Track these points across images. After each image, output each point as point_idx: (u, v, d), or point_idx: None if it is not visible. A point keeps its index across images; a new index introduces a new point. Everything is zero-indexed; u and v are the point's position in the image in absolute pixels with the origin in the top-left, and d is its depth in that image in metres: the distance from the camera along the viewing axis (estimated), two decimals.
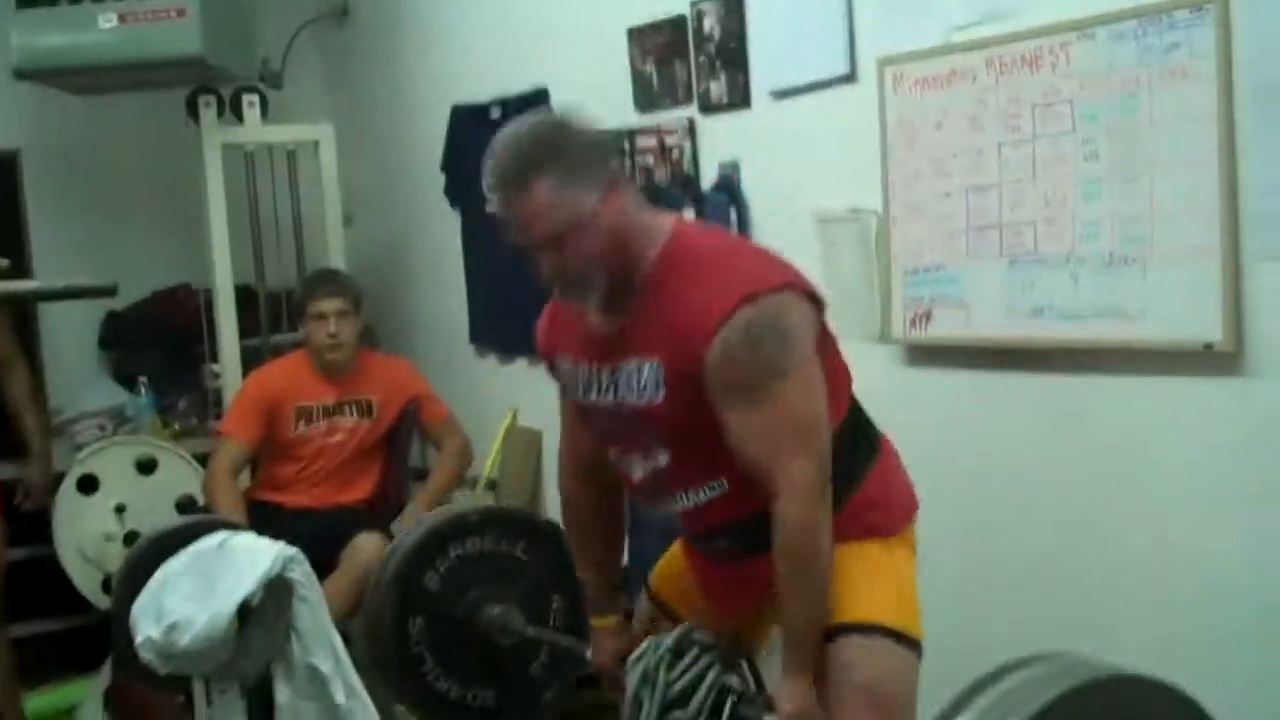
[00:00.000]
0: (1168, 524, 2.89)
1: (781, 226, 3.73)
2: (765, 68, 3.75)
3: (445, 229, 5.25)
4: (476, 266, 5.17)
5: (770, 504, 2.26)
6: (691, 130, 4.02)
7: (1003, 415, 3.22)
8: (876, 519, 2.46)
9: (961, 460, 3.22)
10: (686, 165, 4.04)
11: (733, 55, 3.82)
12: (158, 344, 5.69)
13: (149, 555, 3.12)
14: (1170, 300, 2.77)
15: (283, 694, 2.91)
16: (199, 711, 3.01)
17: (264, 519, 4.09)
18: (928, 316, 3.30)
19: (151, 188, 5.71)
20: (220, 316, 5.22)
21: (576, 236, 2.25)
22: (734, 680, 2.39)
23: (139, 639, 2.88)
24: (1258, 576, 2.73)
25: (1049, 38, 2.94)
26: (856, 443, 2.47)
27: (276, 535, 3.02)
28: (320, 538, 4.07)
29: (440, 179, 5.25)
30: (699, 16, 3.92)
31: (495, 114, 4.88)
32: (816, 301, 2.34)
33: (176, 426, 5.48)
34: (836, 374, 2.43)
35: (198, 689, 3.05)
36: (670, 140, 4.08)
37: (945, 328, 3.26)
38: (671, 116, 4.08)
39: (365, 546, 4.40)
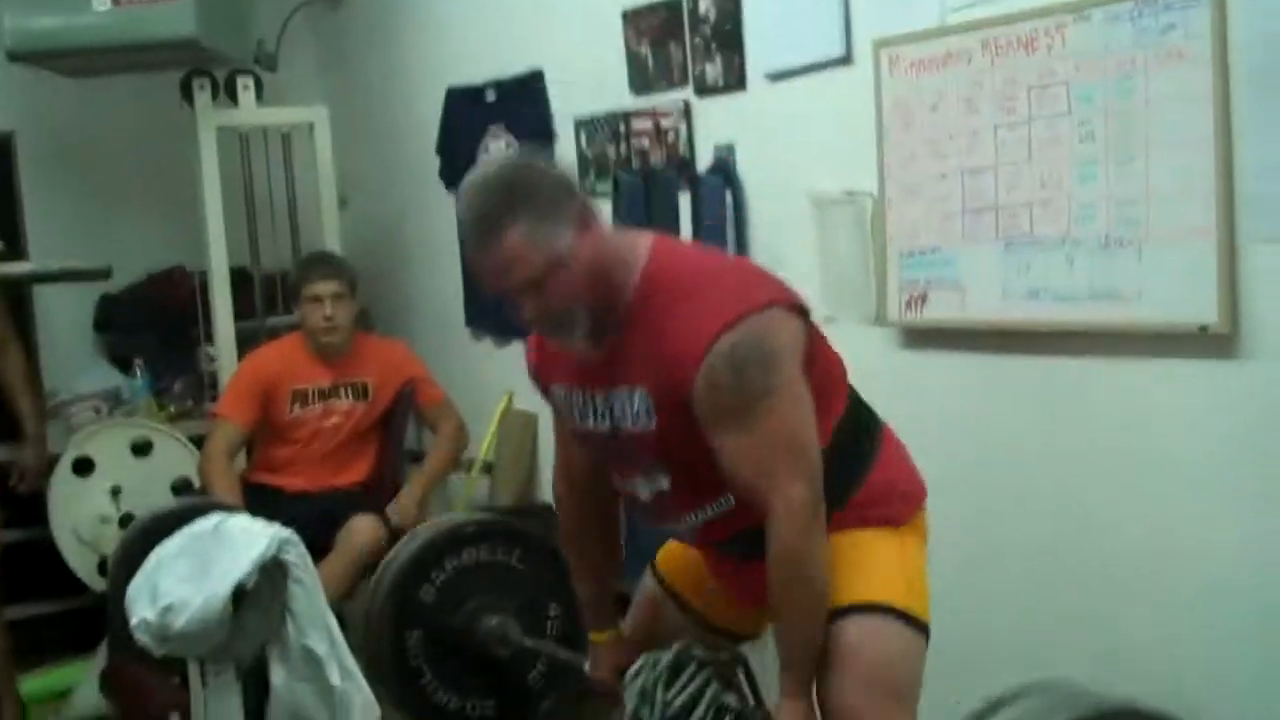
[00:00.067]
0: (1164, 505, 2.89)
1: (777, 209, 3.74)
2: (760, 50, 3.74)
3: (440, 211, 5.24)
4: None
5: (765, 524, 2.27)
6: (687, 112, 4.01)
7: (998, 398, 3.22)
8: (884, 511, 2.46)
9: (957, 443, 3.22)
10: (682, 148, 4.03)
11: (728, 37, 3.82)
12: (153, 326, 5.68)
13: (144, 537, 3.11)
14: (1166, 282, 2.77)
15: (278, 676, 2.91)
16: (194, 693, 3.01)
17: (259, 501, 4.08)
18: (923, 299, 3.29)
19: (146, 170, 5.69)
20: (215, 299, 5.22)
21: (556, 277, 2.22)
22: (732, 699, 2.38)
23: (134, 621, 2.88)
24: (1254, 559, 2.73)
25: (1044, 19, 2.94)
26: (858, 437, 2.46)
27: (272, 517, 3.02)
28: (316, 520, 4.07)
29: (435, 161, 5.24)
30: None
31: (490, 96, 4.88)
32: (802, 311, 2.33)
33: (172, 409, 5.47)
34: (829, 372, 2.43)
35: (193, 671, 3.04)
36: (665, 123, 4.08)
37: (941, 310, 3.26)
38: (667, 99, 4.08)
39: (361, 529, 4.42)
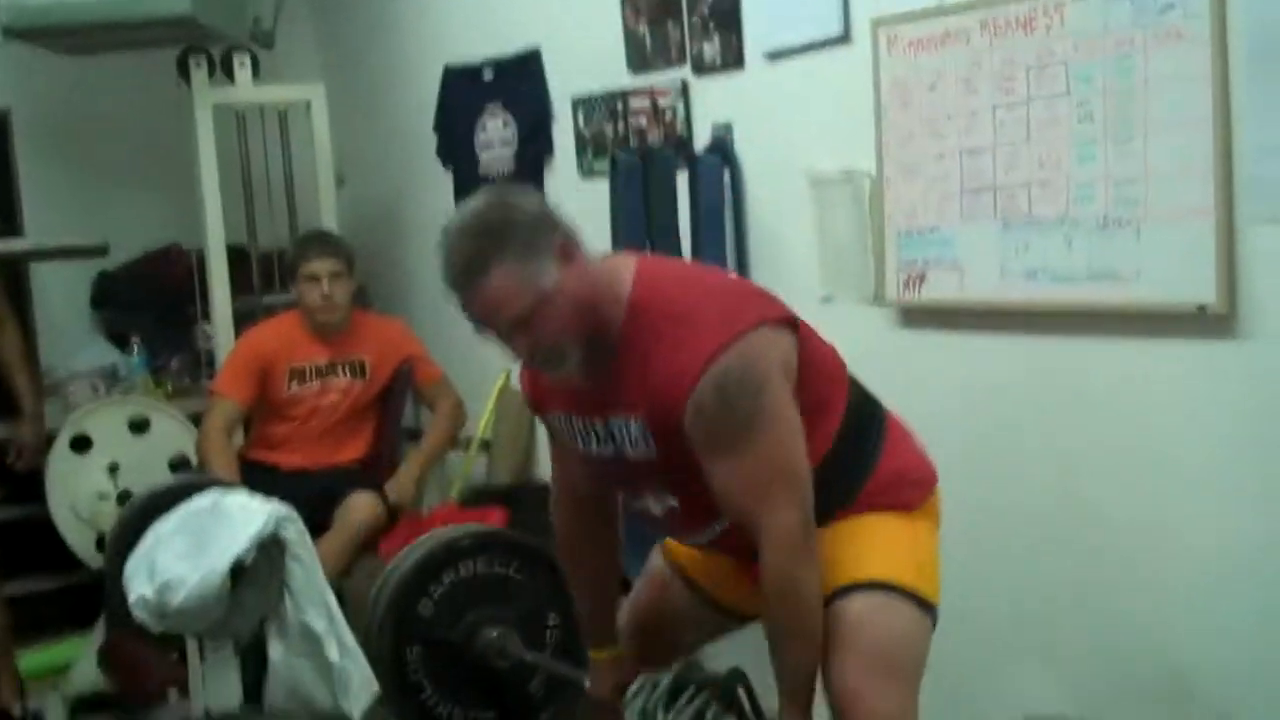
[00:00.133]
0: (1160, 485, 2.90)
1: (775, 188, 3.73)
2: (759, 28, 3.73)
3: (438, 189, 5.23)
4: None
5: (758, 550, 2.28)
6: (685, 91, 4.01)
7: (996, 377, 3.22)
8: (895, 498, 2.47)
9: (953, 422, 3.22)
10: (680, 127, 4.03)
11: (726, 16, 3.81)
12: (150, 304, 5.68)
13: (142, 514, 3.13)
14: (1164, 262, 2.77)
15: (276, 652, 2.93)
16: (193, 669, 3.02)
17: (257, 478, 4.09)
18: (921, 279, 3.30)
19: (142, 148, 5.67)
20: (212, 277, 5.20)
21: (544, 313, 2.22)
22: None
23: (133, 598, 2.89)
24: (1251, 538, 2.74)
25: None
26: (862, 434, 2.47)
27: (269, 495, 3.03)
28: (314, 497, 4.08)
29: (433, 140, 5.23)
30: None
31: (488, 75, 4.87)
32: (790, 323, 2.33)
33: (169, 386, 5.47)
34: (825, 374, 2.43)
35: (191, 647, 3.06)
36: (663, 102, 4.07)
37: (939, 290, 3.26)
38: (665, 77, 4.07)
39: (359, 506, 4.43)
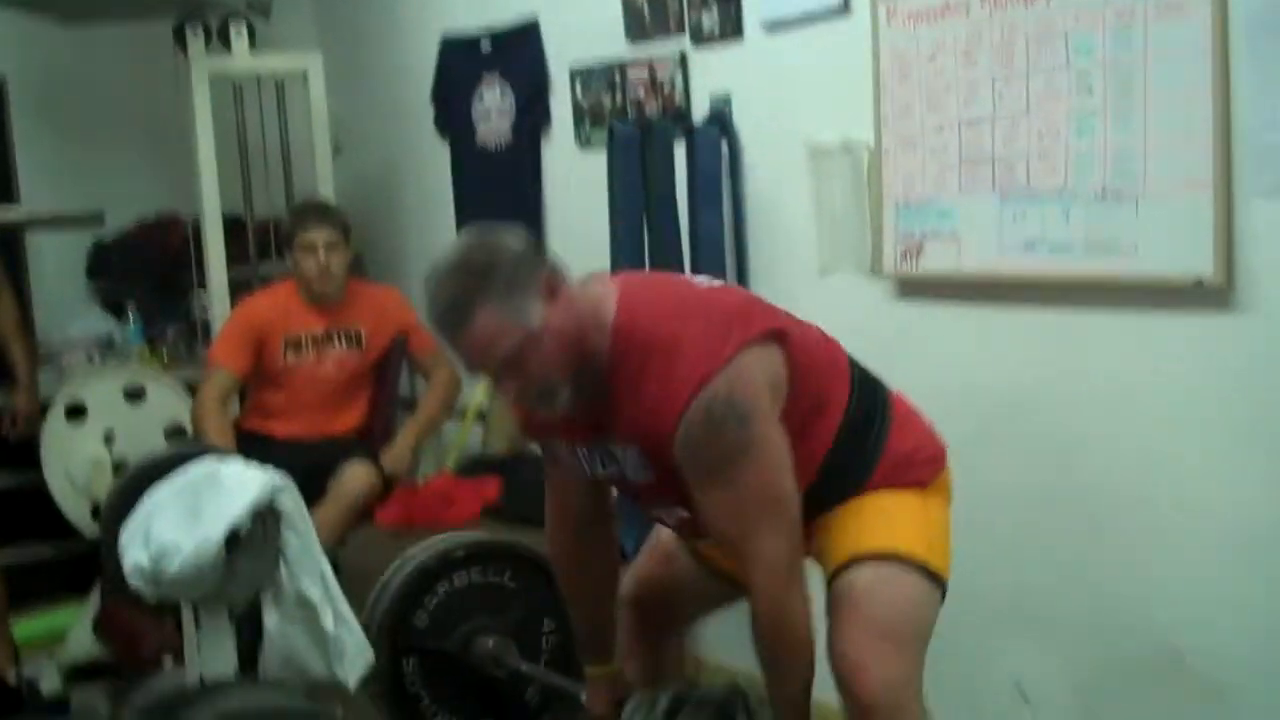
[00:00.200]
0: (1158, 456, 2.91)
1: (773, 160, 3.73)
2: None
3: (435, 159, 5.22)
4: (466, 197, 5.15)
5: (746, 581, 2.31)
6: (683, 62, 3.99)
7: (993, 349, 3.23)
8: (906, 477, 2.48)
9: (951, 393, 3.21)
10: (678, 98, 4.01)
11: None
12: (145, 273, 5.66)
13: (137, 483, 3.12)
14: (1162, 235, 2.77)
15: (271, 620, 2.93)
16: (188, 637, 3.02)
17: (253, 447, 4.09)
18: (919, 250, 3.29)
19: (139, 117, 5.65)
20: (208, 246, 5.19)
21: (532, 351, 2.23)
22: None
23: (128, 566, 2.89)
24: (1249, 508, 2.75)
25: None
26: (867, 424, 2.47)
27: (265, 463, 3.03)
28: (309, 467, 4.07)
29: (429, 110, 5.21)
30: None
31: (485, 46, 4.84)
32: (778, 335, 2.33)
33: (164, 355, 5.47)
34: (823, 373, 2.44)
35: (187, 615, 3.06)
36: (661, 73, 4.06)
37: (937, 262, 3.26)
38: (663, 48, 4.05)
39: (354, 475, 4.43)
